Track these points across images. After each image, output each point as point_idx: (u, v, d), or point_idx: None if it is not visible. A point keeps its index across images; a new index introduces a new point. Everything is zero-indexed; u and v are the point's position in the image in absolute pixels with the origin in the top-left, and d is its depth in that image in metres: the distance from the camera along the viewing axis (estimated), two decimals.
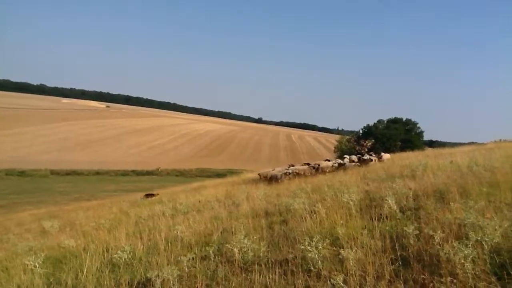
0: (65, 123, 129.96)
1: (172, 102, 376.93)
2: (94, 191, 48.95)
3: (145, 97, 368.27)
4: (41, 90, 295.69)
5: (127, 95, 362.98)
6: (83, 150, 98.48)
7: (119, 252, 7.01)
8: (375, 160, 20.75)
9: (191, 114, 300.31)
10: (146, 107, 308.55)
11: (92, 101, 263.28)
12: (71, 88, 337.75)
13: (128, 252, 6.98)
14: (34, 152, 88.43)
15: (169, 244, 7.66)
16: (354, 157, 22.28)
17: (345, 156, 25.51)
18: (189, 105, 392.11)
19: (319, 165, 19.92)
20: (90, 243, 8.88)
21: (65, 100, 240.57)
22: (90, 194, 45.57)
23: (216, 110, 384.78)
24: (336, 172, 18.50)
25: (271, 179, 18.77)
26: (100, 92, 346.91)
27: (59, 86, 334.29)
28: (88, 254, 7.31)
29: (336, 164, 20.01)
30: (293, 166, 21.19)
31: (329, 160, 20.88)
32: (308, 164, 20.93)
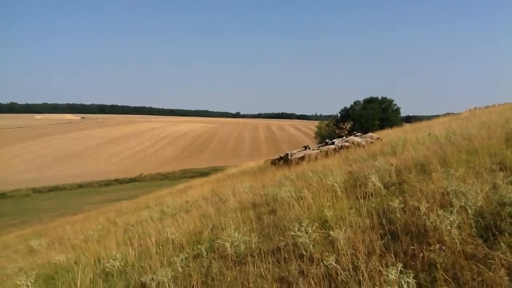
0: (41, 139, 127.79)
1: (147, 106, 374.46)
2: (79, 205, 48.27)
3: (119, 104, 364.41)
4: (12, 108, 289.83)
5: (101, 104, 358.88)
6: (63, 165, 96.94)
7: (111, 261, 6.96)
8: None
9: (169, 116, 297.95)
10: (122, 114, 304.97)
11: (66, 114, 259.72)
12: (42, 103, 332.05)
13: (120, 259, 6.93)
14: (13, 172, 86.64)
15: (161, 247, 7.62)
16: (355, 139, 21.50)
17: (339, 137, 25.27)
18: (165, 107, 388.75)
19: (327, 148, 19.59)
20: (80, 256, 8.77)
21: (38, 116, 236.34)
22: (75, 208, 44.91)
23: (193, 109, 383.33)
24: (300, 162, 18.49)
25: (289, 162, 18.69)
26: (73, 104, 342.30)
27: (30, 102, 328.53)
28: (80, 266, 7.23)
29: (340, 146, 19.56)
30: (306, 149, 20.74)
31: (333, 143, 20.41)
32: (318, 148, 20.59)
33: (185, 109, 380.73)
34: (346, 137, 23.30)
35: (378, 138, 19.42)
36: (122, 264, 6.90)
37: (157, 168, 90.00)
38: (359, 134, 22.62)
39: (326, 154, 17.99)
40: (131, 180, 77.78)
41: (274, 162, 21.50)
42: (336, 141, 20.86)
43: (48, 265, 9.36)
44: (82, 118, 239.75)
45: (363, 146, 17.79)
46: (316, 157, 17.82)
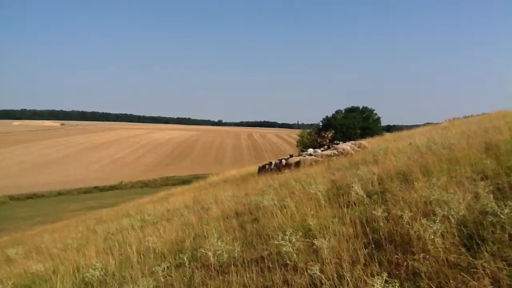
0: (20, 146, 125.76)
1: (129, 113, 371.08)
2: (58, 213, 47.47)
3: (100, 111, 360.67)
4: None
5: (82, 111, 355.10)
6: (42, 172, 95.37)
7: (90, 270, 6.81)
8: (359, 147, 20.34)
9: (150, 124, 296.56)
10: (103, 121, 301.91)
11: (45, 121, 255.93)
12: (21, 109, 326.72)
13: (100, 269, 6.80)
14: None
15: (142, 256, 7.52)
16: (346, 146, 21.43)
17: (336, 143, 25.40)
18: (147, 114, 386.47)
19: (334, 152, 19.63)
20: (59, 265, 8.60)
21: (16, 122, 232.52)
22: (54, 216, 44.16)
23: (175, 117, 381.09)
24: (296, 167, 18.57)
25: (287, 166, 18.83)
26: (53, 110, 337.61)
27: (8, 108, 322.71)
28: (58, 276, 7.09)
29: (336, 152, 19.56)
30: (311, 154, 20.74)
31: (315, 152, 20.44)
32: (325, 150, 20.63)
33: (167, 116, 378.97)
34: (330, 146, 23.48)
35: (365, 146, 19.61)
36: (102, 273, 6.77)
37: (138, 175, 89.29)
38: (348, 142, 22.70)
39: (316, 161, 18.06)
40: (112, 188, 76.99)
41: (263, 168, 21.49)
42: (318, 150, 20.97)
43: (25, 274, 9.15)
44: (62, 124, 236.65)
45: (353, 153, 18.00)
46: (311, 163, 17.89)
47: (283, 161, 19.98)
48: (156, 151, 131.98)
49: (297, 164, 18.53)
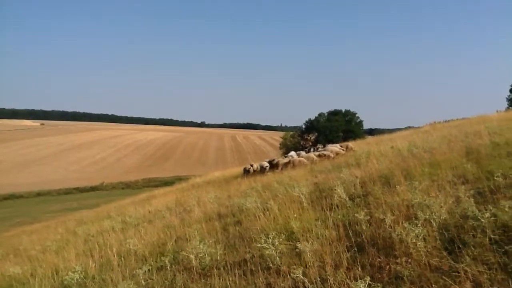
0: None
1: (110, 114, 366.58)
2: (37, 214, 46.62)
3: (82, 111, 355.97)
4: None
5: (63, 111, 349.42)
6: (21, 172, 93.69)
7: (70, 273, 6.70)
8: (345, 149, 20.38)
9: (133, 124, 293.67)
10: (84, 121, 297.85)
11: (25, 120, 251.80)
12: (0, 109, 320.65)
13: (79, 272, 6.68)
14: None
15: (123, 259, 7.43)
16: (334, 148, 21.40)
17: (317, 146, 25.47)
18: (129, 115, 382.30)
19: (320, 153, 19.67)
20: (37, 268, 8.45)
21: None
22: (33, 217, 43.36)
23: (158, 117, 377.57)
24: (284, 168, 18.62)
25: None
26: (33, 110, 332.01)
27: None
28: (37, 279, 6.97)
29: (325, 153, 19.52)
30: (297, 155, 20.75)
31: (298, 155, 20.45)
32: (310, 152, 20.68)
33: (149, 117, 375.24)
34: (316, 148, 23.55)
35: (352, 148, 19.73)
36: (82, 276, 6.66)
37: (119, 176, 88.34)
38: (337, 144, 22.76)
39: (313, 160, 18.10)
40: (92, 189, 75.94)
41: (247, 172, 21.41)
42: (303, 152, 21.07)
43: (2, 277, 8.95)
44: (42, 124, 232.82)
45: (344, 153, 18.17)
46: (300, 163, 17.96)
47: (276, 160, 19.99)
48: (138, 152, 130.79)
49: (286, 164, 18.57)
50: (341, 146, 20.27)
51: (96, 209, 28.49)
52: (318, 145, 29.80)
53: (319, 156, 18.34)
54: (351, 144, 21.54)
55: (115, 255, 7.68)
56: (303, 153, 21.65)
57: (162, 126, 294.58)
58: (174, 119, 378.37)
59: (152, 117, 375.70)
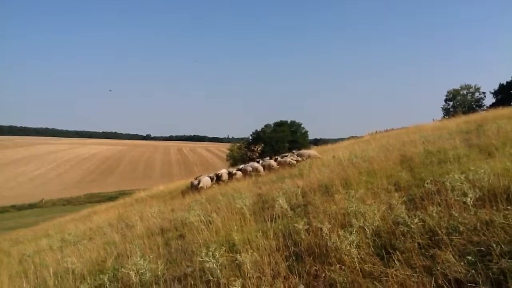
0: None
1: (50, 127, 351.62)
2: None
3: (18, 125, 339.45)
4: None
5: None
6: None
7: None
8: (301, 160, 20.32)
9: (73, 138, 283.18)
10: (21, 135, 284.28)
11: None
12: None
13: None
14: None
15: (59, 278, 7.18)
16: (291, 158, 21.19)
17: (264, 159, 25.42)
18: (70, 129, 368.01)
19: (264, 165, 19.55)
20: None
21: None
22: None
23: (100, 131, 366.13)
24: (230, 180, 18.63)
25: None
26: None
27: None
28: None
29: (300, 159, 19.33)
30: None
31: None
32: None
33: (92, 131, 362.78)
34: (261, 160, 23.56)
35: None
36: None
37: (59, 192, 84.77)
38: (296, 152, 22.65)
39: (269, 169, 18.06)
40: (31, 206, 72.32)
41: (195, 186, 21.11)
42: (248, 165, 21.07)
43: None
44: None
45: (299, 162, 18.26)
46: (263, 170, 17.95)
47: (248, 167, 19.73)
48: (79, 166, 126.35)
49: (256, 170, 18.44)
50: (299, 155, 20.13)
51: (34, 227, 27.28)
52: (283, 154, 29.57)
53: (279, 162, 18.48)
54: (313, 152, 21.33)
55: (52, 275, 7.42)
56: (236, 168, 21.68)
57: (105, 139, 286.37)
58: (118, 132, 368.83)
59: (96, 131, 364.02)
